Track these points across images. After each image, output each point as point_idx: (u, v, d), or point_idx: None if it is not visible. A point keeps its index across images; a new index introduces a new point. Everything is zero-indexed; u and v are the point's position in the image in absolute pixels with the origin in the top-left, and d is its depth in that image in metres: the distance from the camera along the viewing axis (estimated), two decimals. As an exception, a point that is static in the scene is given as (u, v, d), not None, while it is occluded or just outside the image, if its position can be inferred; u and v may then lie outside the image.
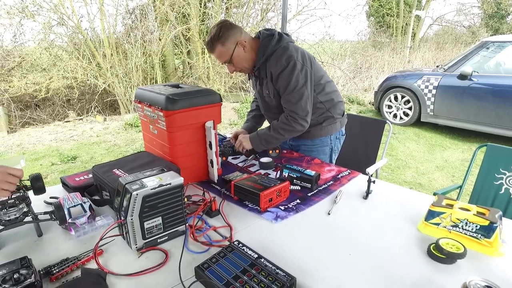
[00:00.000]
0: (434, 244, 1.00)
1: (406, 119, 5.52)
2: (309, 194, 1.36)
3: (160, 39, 6.79)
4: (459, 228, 1.07)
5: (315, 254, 1.01)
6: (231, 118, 6.03)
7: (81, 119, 6.49)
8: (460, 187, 2.15)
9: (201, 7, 6.99)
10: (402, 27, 12.92)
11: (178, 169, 1.35)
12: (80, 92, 7.09)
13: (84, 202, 1.21)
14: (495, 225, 1.00)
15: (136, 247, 1.03)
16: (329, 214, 1.23)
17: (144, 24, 6.82)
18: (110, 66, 6.84)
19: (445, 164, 3.99)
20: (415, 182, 3.54)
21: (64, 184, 1.52)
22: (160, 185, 1.02)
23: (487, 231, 1.01)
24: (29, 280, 0.83)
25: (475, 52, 4.89)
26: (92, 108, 6.86)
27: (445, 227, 1.10)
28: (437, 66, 5.73)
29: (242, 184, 1.32)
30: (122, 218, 1.02)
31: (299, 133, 1.72)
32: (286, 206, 1.27)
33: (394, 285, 0.88)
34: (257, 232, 1.13)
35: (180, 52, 7.62)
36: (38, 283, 0.84)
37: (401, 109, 5.57)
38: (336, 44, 10.40)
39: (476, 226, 1.04)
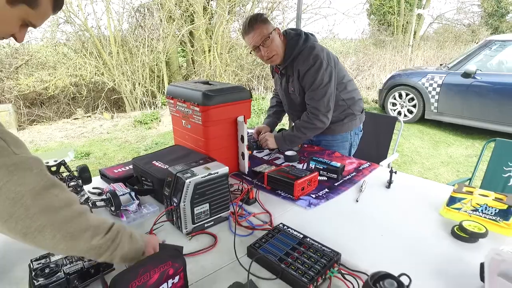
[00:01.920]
0: (457, 226, 1.11)
1: (410, 116, 5.64)
2: (336, 184, 1.47)
3: (166, 37, 6.87)
4: (479, 212, 1.18)
5: (350, 236, 1.12)
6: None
7: (89, 116, 6.58)
8: (470, 179, 2.26)
9: (207, 5, 7.08)
10: (403, 26, 13.01)
11: (214, 160, 1.45)
12: (87, 89, 7.17)
13: (129, 192, 1.32)
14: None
15: (187, 231, 1.13)
16: (357, 201, 1.34)
17: (150, 22, 6.90)
18: (117, 64, 6.92)
19: (449, 160, 4.11)
20: (422, 177, 3.63)
21: (104, 176, 1.61)
22: (210, 174, 1.12)
23: (506, 214, 1.13)
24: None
25: (479, 51, 5.00)
26: (99, 105, 6.94)
27: (466, 211, 1.21)
28: (441, 65, 5.84)
29: (275, 175, 1.43)
30: (174, 204, 1.12)
31: (321, 130, 1.82)
32: (317, 195, 1.37)
33: (425, 262, 0.98)
34: (294, 217, 1.24)
35: (185, 50, 7.71)
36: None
37: (406, 106, 5.68)
38: (339, 42, 10.49)
39: (495, 210, 1.15)
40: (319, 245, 0.97)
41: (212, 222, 1.19)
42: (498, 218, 1.14)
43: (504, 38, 5.03)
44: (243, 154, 1.61)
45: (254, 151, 1.92)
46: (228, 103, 1.53)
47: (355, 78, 8.28)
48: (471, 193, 1.23)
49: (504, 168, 2.07)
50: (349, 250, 1.02)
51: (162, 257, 0.77)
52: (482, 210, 1.18)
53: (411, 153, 4.36)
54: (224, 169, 1.17)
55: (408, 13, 12.89)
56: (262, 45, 1.71)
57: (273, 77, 2.06)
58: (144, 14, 7.11)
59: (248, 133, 2.13)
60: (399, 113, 5.77)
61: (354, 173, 1.59)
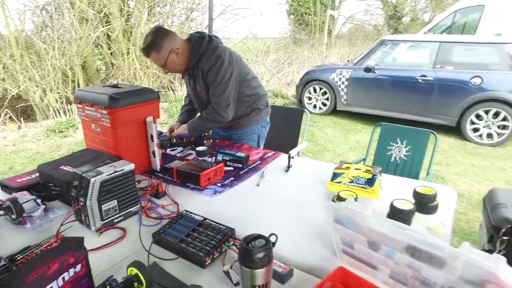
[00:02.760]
0: (336, 196, 1.35)
1: (324, 108, 6.17)
2: (241, 172, 1.64)
3: (80, 39, 6.46)
4: (354, 183, 1.43)
5: (249, 214, 1.28)
6: (161, 117, 6.06)
7: (-12, 128, 5.89)
8: (364, 159, 2.63)
9: (123, 6, 6.81)
10: (319, 25, 13.98)
11: (122, 159, 1.51)
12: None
13: (34, 198, 1.31)
14: (375, 177, 1.38)
15: (96, 228, 1.19)
16: (258, 185, 1.51)
17: (60, 22, 6.42)
18: (22, 68, 6.31)
19: (357, 145, 4.63)
20: (333, 162, 4.06)
21: (5, 187, 1.55)
22: (115, 171, 1.19)
23: (371, 182, 1.39)
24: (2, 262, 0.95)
25: (376, 49, 5.69)
26: (1, 115, 6.24)
27: (345, 183, 1.45)
28: (348, 61, 6.49)
29: (183, 168, 1.54)
30: (81, 203, 1.16)
31: (221, 124, 1.98)
32: (222, 183, 1.52)
33: (310, 226, 1.19)
34: (200, 205, 1.36)
35: (104, 52, 7.32)
36: (9, 266, 0.96)
37: (320, 100, 6.20)
38: (260, 41, 10.89)
39: (364, 180, 1.41)
40: (216, 225, 1.11)
41: (122, 217, 1.25)
42: (366, 185, 1.40)
43: (394, 38, 5.81)
44: (154, 153, 1.69)
45: (168, 150, 2.00)
46: (136, 105, 1.60)
47: (275, 75, 8.71)
48: (348, 168, 1.49)
49: (388, 147, 2.46)
50: (246, 225, 1.18)
51: (62, 248, 0.83)
52: (355, 181, 1.43)
53: (325, 142, 4.81)
54: (130, 166, 1.25)
55: (323, 13, 13.88)
56: (162, 67, 1.89)
57: (182, 78, 2.15)
58: (52, 13, 6.58)
59: (162, 133, 2.22)
60: (315, 106, 6.27)
61: (259, 162, 1.77)
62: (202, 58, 1.88)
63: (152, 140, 1.67)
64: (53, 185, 1.42)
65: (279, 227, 1.19)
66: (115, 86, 1.73)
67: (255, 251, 0.76)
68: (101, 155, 1.58)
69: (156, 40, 1.79)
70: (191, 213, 1.20)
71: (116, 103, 1.51)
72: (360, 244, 0.74)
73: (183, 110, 2.27)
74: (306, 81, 6.26)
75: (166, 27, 7.68)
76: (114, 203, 1.22)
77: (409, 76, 5.17)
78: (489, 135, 4.72)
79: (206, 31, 3.59)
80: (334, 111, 6.08)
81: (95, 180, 1.14)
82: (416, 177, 2.34)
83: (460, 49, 5.10)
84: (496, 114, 4.61)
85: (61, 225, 1.16)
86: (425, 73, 5.01)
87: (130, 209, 1.28)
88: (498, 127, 4.64)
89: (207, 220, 1.14)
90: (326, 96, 6.08)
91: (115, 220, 1.23)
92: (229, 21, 8.36)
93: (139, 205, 1.31)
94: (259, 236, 0.80)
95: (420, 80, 5.02)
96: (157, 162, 1.71)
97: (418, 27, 13.84)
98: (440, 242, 0.57)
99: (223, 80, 1.86)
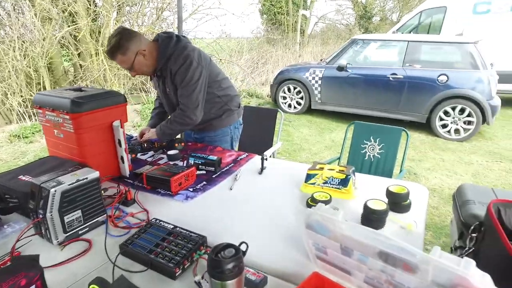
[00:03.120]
0: (310, 198, 1.33)
1: (299, 108, 6.21)
2: (214, 176, 1.59)
3: (44, 39, 6.16)
4: (328, 183, 1.43)
5: (222, 219, 1.24)
6: (134, 120, 5.89)
7: None
8: (339, 158, 2.65)
9: (90, 5, 6.54)
10: (292, 25, 14.09)
11: (86, 167, 1.43)
12: None
13: (-12, 213, 1.22)
14: (349, 177, 1.38)
15: (58, 242, 1.11)
16: (231, 189, 1.48)
17: (20, 21, 6.09)
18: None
19: (332, 144, 4.68)
20: (309, 161, 4.09)
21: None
22: (78, 180, 1.12)
23: (345, 182, 1.39)
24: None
25: (348, 48, 5.78)
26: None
27: (319, 184, 1.44)
28: (321, 60, 6.55)
29: (153, 174, 1.48)
30: (41, 216, 1.08)
31: (190, 126, 1.92)
32: (194, 188, 1.47)
33: (284, 229, 1.16)
34: (172, 211, 1.31)
35: (70, 53, 7.02)
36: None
37: (294, 99, 6.23)
38: (233, 41, 10.83)
39: (338, 180, 1.40)
40: (187, 233, 1.07)
41: (87, 228, 1.18)
42: (340, 186, 1.40)
43: (365, 38, 5.93)
44: (122, 158, 1.61)
45: (139, 154, 1.92)
46: (101, 109, 1.52)
47: (250, 75, 8.69)
48: (322, 168, 1.48)
49: (362, 145, 2.49)
50: (218, 231, 1.14)
51: (13, 270, 0.76)
52: (329, 182, 1.43)
53: (300, 141, 4.83)
54: (94, 174, 1.18)
55: (295, 13, 14.00)
56: (129, 70, 1.81)
57: (151, 80, 2.08)
58: (9, 11, 6.22)
59: (132, 137, 2.13)
60: (290, 105, 6.30)
61: (232, 164, 1.74)
62: (171, 59, 1.82)
63: (120, 145, 1.59)
64: (10, 196, 1.32)
65: (252, 232, 1.17)
66: (79, 89, 1.64)
67: (224, 262, 0.73)
68: (65, 163, 1.49)
69: (121, 42, 1.71)
70: (161, 221, 1.14)
71: (79, 107, 1.43)
72: (333, 250, 0.72)
73: (154, 113, 2.20)
74: (280, 81, 6.28)
75: (136, 28, 7.44)
76: (78, 213, 1.15)
77: (380, 74, 5.29)
78: (457, 131, 4.91)
79: (177, 31, 3.52)
80: (309, 110, 6.13)
81: (55, 191, 1.06)
82: (390, 174, 2.38)
83: (427, 48, 5.28)
84: (462, 111, 4.80)
85: (17, 240, 1.08)
86: (395, 72, 5.14)
87: (96, 219, 1.21)
88: (464, 122, 4.84)
89: (178, 228, 1.09)
90: (300, 95, 6.11)
91: (80, 232, 1.16)
92: (201, 21, 8.24)
93: (105, 215, 1.24)
94: (229, 245, 0.77)
95: (391, 78, 5.15)
96: (126, 168, 1.63)
97: (387, 26, 14.26)
98: (411, 248, 0.56)
99: (191, 80, 1.81)
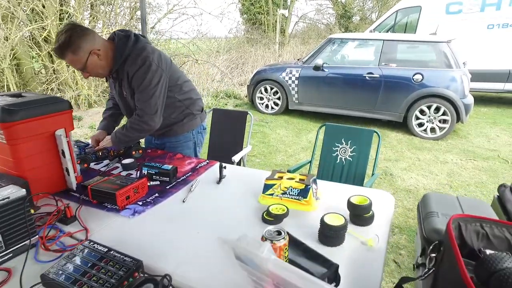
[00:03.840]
0: (266, 211, 1.23)
1: (276, 108, 6.12)
2: (168, 187, 1.48)
3: (6, 39, 5.85)
4: (287, 194, 1.33)
5: (167, 239, 1.13)
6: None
7: None
8: (310, 162, 2.57)
9: (59, 4, 6.25)
10: (273, 24, 14.02)
11: (25, 182, 1.29)
12: None
13: None
14: (308, 187, 1.29)
15: (-28, 272, 0.97)
16: (184, 201, 1.36)
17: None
18: None
19: (309, 145, 4.61)
20: (284, 164, 4.01)
21: None
22: (-5, 201, 0.98)
23: (305, 192, 1.30)
24: None
25: (324, 47, 5.73)
26: None
27: (277, 195, 1.35)
28: (298, 59, 6.49)
29: (99, 187, 1.35)
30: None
31: (148, 133, 1.79)
32: (144, 201, 1.35)
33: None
34: (114, 230, 1.19)
35: (37, 55, 6.70)
36: None
37: (271, 100, 6.14)
38: (213, 41, 10.67)
39: (298, 190, 1.31)
40: (121, 257, 0.95)
41: (11, 255, 1.04)
42: (300, 197, 1.31)
43: (341, 37, 5.90)
44: (67, 170, 1.47)
45: (93, 163, 1.78)
46: (40, 117, 1.38)
47: (227, 75, 8.56)
48: (281, 178, 1.38)
49: (333, 148, 2.42)
50: (161, 253, 1.03)
51: None
52: (289, 192, 1.33)
53: (277, 142, 4.74)
54: (19, 193, 1.05)
55: (275, 13, 13.94)
56: (81, 71, 1.65)
57: (107, 82, 1.94)
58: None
59: (88, 144, 1.99)
60: (267, 106, 6.20)
61: (190, 173, 1.62)
62: (128, 60, 1.68)
63: (64, 156, 1.45)
64: None
65: (201, 253, 1.06)
66: (18, 95, 1.50)
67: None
68: (-2, 177, 1.34)
69: (72, 39, 1.54)
70: (95, 243, 1.02)
71: (10, 116, 1.28)
72: (268, 285, 0.63)
73: (106, 115, 2.03)
74: (257, 81, 6.17)
75: (111, 28, 7.14)
76: (-2, 238, 1.01)
77: (356, 73, 5.26)
78: (432, 129, 4.93)
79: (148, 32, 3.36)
80: (287, 111, 6.05)
81: (-34, 214, 0.93)
82: (362, 178, 2.32)
83: (403, 47, 5.29)
84: (437, 109, 4.82)
85: None
86: (371, 71, 5.12)
87: (23, 243, 1.07)
88: (440, 121, 4.86)
89: (112, 252, 0.97)
90: (277, 96, 6.03)
91: (1, 260, 1.02)
92: (177, 21, 8.05)
93: (37, 236, 1.11)
94: (147, 280, 0.66)
95: (367, 78, 5.13)
96: (72, 181, 1.49)
97: (367, 26, 14.37)
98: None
99: (150, 84, 1.68)
